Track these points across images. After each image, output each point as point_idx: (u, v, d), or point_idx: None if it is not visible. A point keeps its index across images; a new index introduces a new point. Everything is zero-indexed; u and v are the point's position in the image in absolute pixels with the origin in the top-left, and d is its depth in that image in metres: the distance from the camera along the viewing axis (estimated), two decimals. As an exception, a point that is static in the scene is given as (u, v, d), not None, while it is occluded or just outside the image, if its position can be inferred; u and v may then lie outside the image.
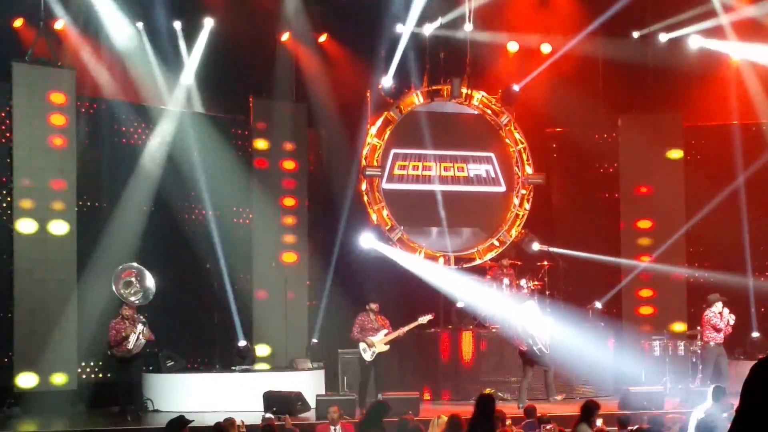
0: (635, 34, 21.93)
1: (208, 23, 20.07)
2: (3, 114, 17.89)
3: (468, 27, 21.09)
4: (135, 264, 17.27)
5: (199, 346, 20.09)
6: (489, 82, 22.16)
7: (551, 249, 21.36)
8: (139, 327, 16.40)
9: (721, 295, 18.37)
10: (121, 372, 16.75)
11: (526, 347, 17.60)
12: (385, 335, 17.24)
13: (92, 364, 18.55)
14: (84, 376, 18.31)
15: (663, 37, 21.80)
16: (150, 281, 17.08)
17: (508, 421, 11.95)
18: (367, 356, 17.13)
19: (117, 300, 16.96)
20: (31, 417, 16.70)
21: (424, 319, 17.48)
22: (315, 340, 20.14)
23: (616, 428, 12.44)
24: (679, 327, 21.37)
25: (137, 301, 16.84)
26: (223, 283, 19.82)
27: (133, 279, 16.94)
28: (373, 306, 17.53)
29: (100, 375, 18.59)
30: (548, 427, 12.05)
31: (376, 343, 17.09)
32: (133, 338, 16.32)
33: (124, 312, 16.54)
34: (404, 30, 21.12)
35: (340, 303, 20.02)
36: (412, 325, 17.45)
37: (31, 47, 17.92)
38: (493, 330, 19.84)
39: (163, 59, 19.73)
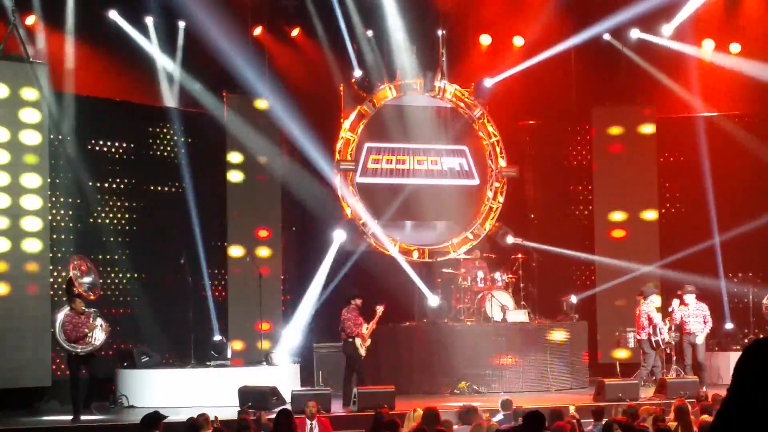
0: (606, 36, 21.98)
1: (181, 23, 20.11)
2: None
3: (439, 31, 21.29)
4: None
5: (174, 342, 20.00)
6: (462, 76, 22.17)
7: (525, 242, 21.38)
8: (99, 320, 16.03)
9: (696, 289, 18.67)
10: (77, 370, 16.21)
11: (646, 336, 17.68)
12: (367, 329, 17.33)
13: (67, 361, 18.40)
14: (59, 373, 18.18)
15: (634, 34, 21.93)
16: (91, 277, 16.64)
17: (486, 415, 11.99)
18: (363, 351, 17.22)
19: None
20: (5, 414, 16.62)
21: (379, 310, 17.46)
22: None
23: (591, 420, 12.52)
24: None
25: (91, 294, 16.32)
26: (197, 278, 19.75)
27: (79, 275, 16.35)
28: (358, 301, 17.48)
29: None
30: (524, 419, 12.06)
31: (365, 336, 17.22)
32: (97, 333, 15.95)
33: (78, 306, 16.06)
34: (378, 25, 21.16)
35: (314, 298, 20.01)
36: (377, 317, 17.45)
37: (2, 43, 17.77)
38: (468, 323, 19.87)
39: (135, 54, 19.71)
